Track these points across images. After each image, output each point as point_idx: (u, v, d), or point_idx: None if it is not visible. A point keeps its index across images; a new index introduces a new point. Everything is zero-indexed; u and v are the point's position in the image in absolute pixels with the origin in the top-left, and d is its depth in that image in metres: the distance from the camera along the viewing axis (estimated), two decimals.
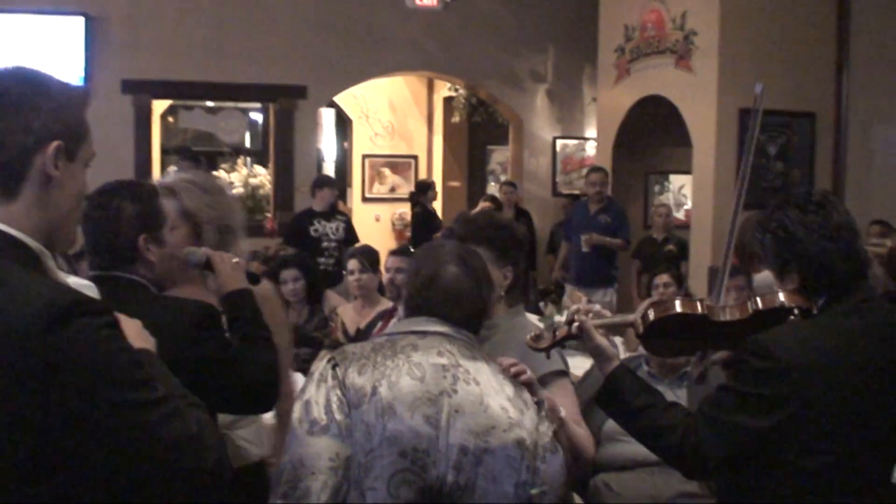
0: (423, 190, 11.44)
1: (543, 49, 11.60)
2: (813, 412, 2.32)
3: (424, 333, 2.37)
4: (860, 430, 2.38)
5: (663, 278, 6.43)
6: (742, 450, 2.38)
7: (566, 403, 2.96)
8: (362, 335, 5.60)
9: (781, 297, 2.51)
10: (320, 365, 2.33)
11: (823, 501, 2.35)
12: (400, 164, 13.70)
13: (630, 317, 2.69)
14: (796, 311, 2.45)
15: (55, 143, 1.78)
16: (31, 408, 1.61)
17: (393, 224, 13.13)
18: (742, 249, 3.99)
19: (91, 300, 1.74)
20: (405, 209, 12.86)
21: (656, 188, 10.68)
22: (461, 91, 12.05)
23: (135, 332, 1.89)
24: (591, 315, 2.66)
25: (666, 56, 8.89)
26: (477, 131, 13.38)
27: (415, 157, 13.74)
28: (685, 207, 10.41)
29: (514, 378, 2.44)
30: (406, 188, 13.35)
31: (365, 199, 13.64)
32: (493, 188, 13.81)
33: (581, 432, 3.04)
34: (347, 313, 6.19)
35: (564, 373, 3.43)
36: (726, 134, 8.39)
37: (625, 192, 9.96)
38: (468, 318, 2.45)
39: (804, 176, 8.73)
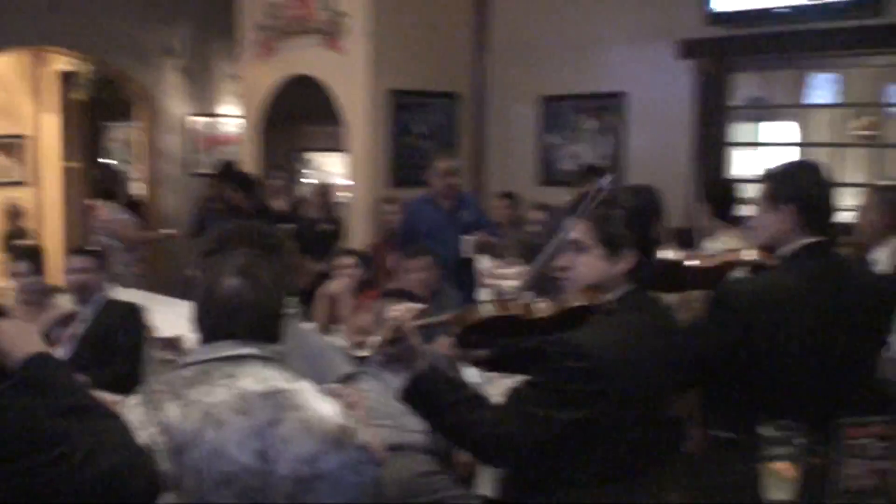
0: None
1: (175, 23, 11.21)
2: (618, 403, 2.51)
3: (237, 359, 2.25)
4: (651, 412, 2.63)
5: (348, 261, 6.55)
6: (548, 440, 2.50)
7: (360, 413, 2.96)
8: None
9: (587, 296, 2.68)
10: (132, 407, 2.18)
11: (624, 474, 2.55)
12: (7, 144, 12.65)
13: (446, 316, 2.75)
14: (598, 311, 2.63)
15: None
16: None
17: (7, 212, 12.04)
18: None
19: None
20: (18, 195, 11.97)
21: (298, 166, 10.71)
22: (86, 67, 11.34)
23: (18, 335, 1.70)
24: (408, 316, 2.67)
25: (314, 36, 8.91)
26: (95, 108, 12.63)
27: (23, 137, 12.72)
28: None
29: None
30: (18, 171, 12.42)
31: None
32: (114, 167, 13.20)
33: (376, 443, 3.06)
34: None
35: (354, 376, 3.45)
36: (379, 113, 8.61)
37: (270, 171, 9.86)
38: (267, 332, 2.34)
39: (448, 153, 9.14)
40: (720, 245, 5.55)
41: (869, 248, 4.83)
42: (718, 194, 5.90)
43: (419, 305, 2.74)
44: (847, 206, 7.99)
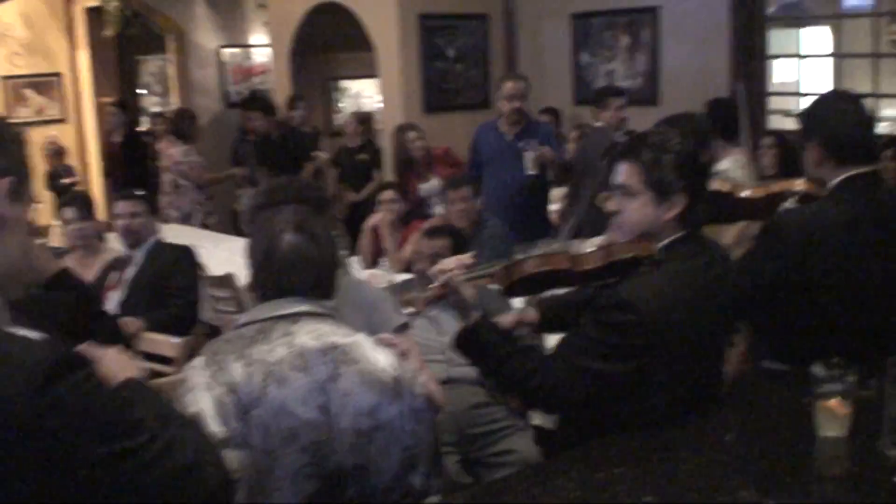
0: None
1: None
2: (664, 358, 2.55)
3: (294, 317, 2.29)
4: (697, 363, 2.66)
5: (389, 195, 6.59)
6: (597, 392, 2.56)
7: (416, 358, 3.03)
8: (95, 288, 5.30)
9: (634, 248, 2.67)
10: (198, 370, 2.23)
11: (676, 417, 2.60)
12: (43, 83, 12.73)
13: (494, 267, 2.77)
14: (646, 262, 2.63)
15: (7, 180, 1.61)
16: (27, 467, 1.51)
17: (43, 150, 12.17)
18: None
19: (70, 353, 1.62)
20: (55, 132, 12.05)
21: (335, 95, 10.69)
22: (113, 2, 11.31)
23: (117, 363, 1.76)
24: (456, 270, 2.71)
25: None
26: (127, 43, 12.64)
27: (58, 75, 12.80)
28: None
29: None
30: (54, 109, 12.50)
31: None
32: (149, 101, 13.24)
33: (432, 386, 3.15)
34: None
35: (407, 325, 3.52)
36: (408, 38, 8.57)
37: (305, 101, 9.86)
38: (324, 287, 2.38)
39: (479, 75, 9.12)
40: (726, 166, 5.60)
41: None
42: (722, 115, 5.89)
43: (466, 257, 2.77)
44: (889, 117, 7.96)
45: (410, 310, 2.57)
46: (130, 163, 10.10)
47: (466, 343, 2.70)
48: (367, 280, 3.71)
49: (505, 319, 2.99)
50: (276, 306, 2.31)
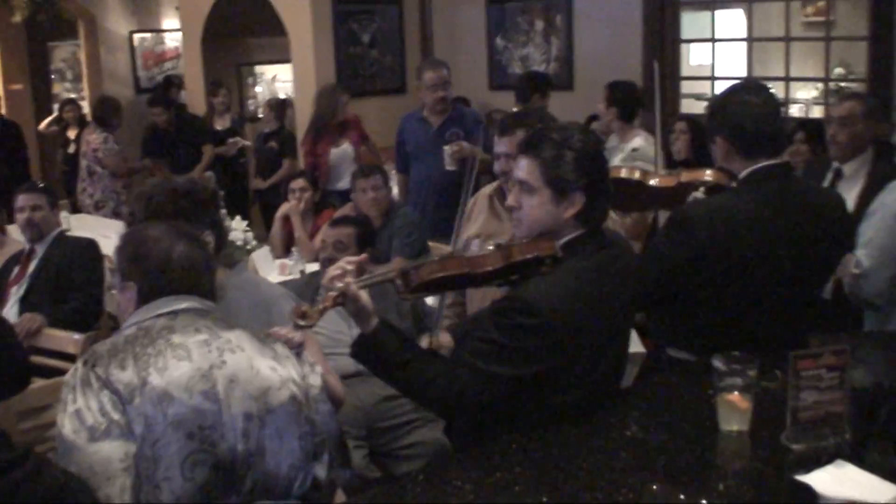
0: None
1: None
2: (567, 358, 2.50)
3: (174, 313, 2.35)
4: (599, 360, 2.61)
5: (299, 183, 6.50)
6: (503, 396, 2.50)
7: (314, 352, 2.95)
8: None
9: (533, 248, 2.59)
10: (77, 371, 2.22)
11: (580, 414, 2.56)
12: None
13: (390, 273, 2.66)
14: (547, 261, 2.56)
15: None
16: None
17: None
18: None
19: None
20: None
21: (249, 80, 10.53)
22: None
23: None
24: (349, 278, 2.59)
25: None
26: (36, 29, 12.29)
27: None
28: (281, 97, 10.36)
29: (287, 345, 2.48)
30: None
31: None
32: (59, 88, 12.92)
33: (331, 380, 3.07)
34: None
35: None
36: (322, 23, 8.46)
37: (211, 88, 9.68)
38: (201, 286, 2.45)
39: (395, 60, 9.03)
40: (639, 144, 5.64)
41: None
42: (621, 97, 5.91)
43: (357, 259, 2.66)
44: (802, 100, 8.04)
45: (304, 322, 2.45)
46: (3, 153, 9.83)
47: (365, 350, 2.60)
48: (262, 279, 3.63)
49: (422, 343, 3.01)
50: (155, 306, 2.36)
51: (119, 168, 8.44)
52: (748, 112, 3.07)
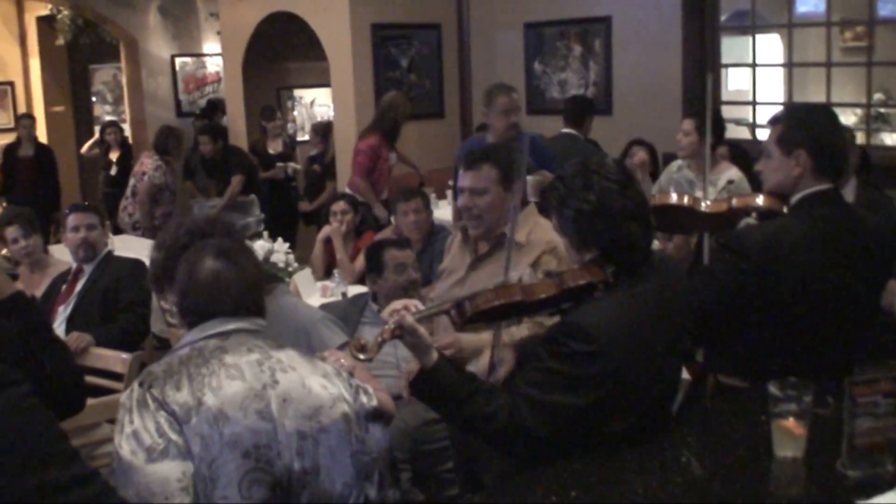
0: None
1: None
2: (624, 384, 2.49)
3: (226, 334, 2.38)
4: (653, 385, 2.62)
5: (340, 206, 6.54)
6: (564, 426, 2.48)
7: (363, 376, 2.98)
8: (43, 303, 5.19)
9: (585, 274, 2.62)
10: (133, 392, 2.25)
11: (622, 445, 2.55)
12: None
13: (445, 305, 2.69)
14: (600, 286, 2.58)
15: None
16: None
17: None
18: None
19: (5, 370, 1.58)
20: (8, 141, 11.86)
21: (289, 104, 10.62)
22: (64, 11, 11.17)
23: None
24: (408, 310, 2.58)
25: None
26: (78, 51, 12.49)
27: (11, 84, 12.61)
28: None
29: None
30: (5, 117, 12.30)
31: None
32: (100, 111, 13.08)
33: (382, 396, 3.09)
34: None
35: (348, 343, 3.46)
36: (361, 48, 8.53)
37: (258, 110, 9.79)
38: (250, 307, 2.46)
39: (433, 85, 9.09)
40: (721, 179, 5.53)
41: None
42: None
43: (414, 301, 2.68)
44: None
45: (364, 356, 2.47)
46: (39, 176, 10.01)
47: (426, 385, 2.58)
48: (301, 302, 3.66)
49: (481, 362, 3.00)
50: (206, 328, 2.39)
51: (142, 201, 8.49)
52: (830, 130, 3.08)
